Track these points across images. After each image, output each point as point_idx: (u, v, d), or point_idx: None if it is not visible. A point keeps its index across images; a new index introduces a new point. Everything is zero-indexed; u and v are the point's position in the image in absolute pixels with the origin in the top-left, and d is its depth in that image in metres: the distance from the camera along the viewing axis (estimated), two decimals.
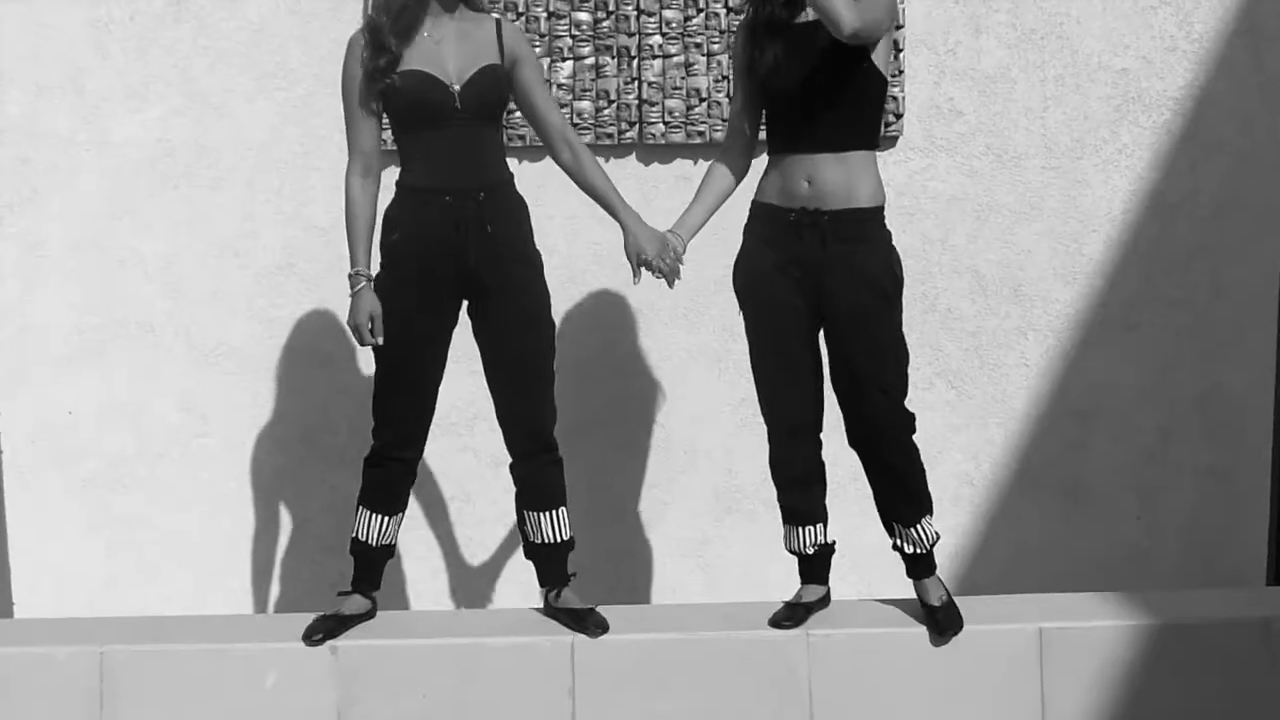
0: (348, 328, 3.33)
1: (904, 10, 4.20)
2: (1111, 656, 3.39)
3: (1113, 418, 4.44)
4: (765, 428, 3.49)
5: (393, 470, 3.40)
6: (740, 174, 3.53)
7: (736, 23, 4.20)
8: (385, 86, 3.20)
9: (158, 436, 4.41)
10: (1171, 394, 4.44)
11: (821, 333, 3.41)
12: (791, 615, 3.44)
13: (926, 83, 4.29)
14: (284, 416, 4.42)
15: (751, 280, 3.41)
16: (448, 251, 3.26)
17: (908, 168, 4.30)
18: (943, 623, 3.39)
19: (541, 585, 3.50)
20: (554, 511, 3.46)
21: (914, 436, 3.39)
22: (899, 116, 4.24)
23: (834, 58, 3.23)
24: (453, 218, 3.26)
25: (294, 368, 4.40)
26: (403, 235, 3.27)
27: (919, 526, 3.42)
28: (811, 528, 3.48)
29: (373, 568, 3.47)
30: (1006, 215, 4.35)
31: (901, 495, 3.42)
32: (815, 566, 3.51)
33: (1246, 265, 4.38)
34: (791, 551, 3.52)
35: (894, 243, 3.37)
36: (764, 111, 3.42)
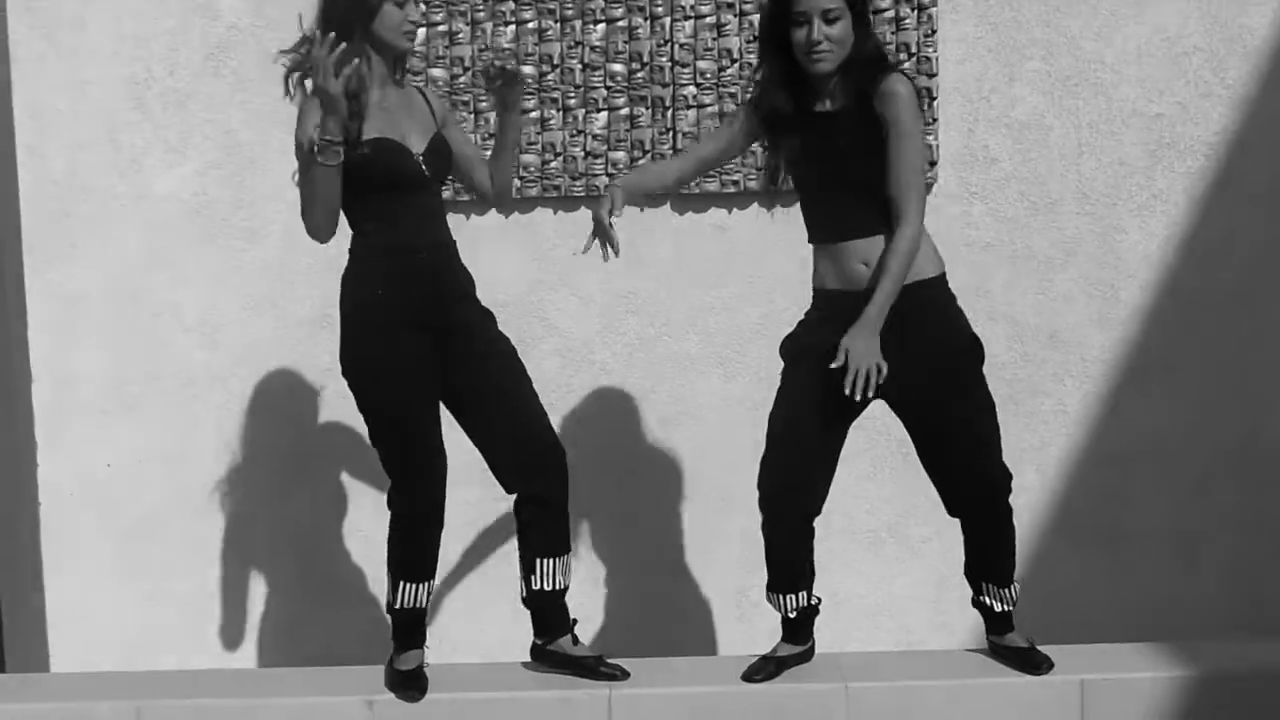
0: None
1: (937, 60, 4.21)
2: (1155, 708, 3.35)
3: (1151, 464, 4.40)
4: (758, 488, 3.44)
5: (429, 534, 3.37)
6: (686, 178, 3.49)
7: None
8: (356, 155, 3.18)
9: (195, 488, 4.43)
10: (1210, 440, 4.40)
11: (896, 414, 3.36)
12: (763, 669, 3.43)
13: (961, 130, 4.29)
14: (321, 469, 4.43)
15: (805, 344, 3.33)
16: (431, 302, 3.28)
17: (943, 215, 4.29)
18: (1036, 659, 3.42)
19: (544, 634, 3.45)
20: (565, 557, 3.44)
21: (1010, 498, 3.39)
22: (933, 164, 4.24)
23: (858, 148, 3.19)
24: (429, 271, 3.29)
25: (330, 420, 4.41)
26: (387, 290, 3.24)
27: (1011, 587, 3.45)
28: (793, 595, 3.45)
29: (419, 628, 3.45)
30: (1042, 261, 4.34)
31: (999, 554, 3.43)
32: (796, 627, 3.49)
33: None
34: (775, 609, 3.50)
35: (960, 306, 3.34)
36: (799, 197, 3.37)
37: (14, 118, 4.30)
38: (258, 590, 4.47)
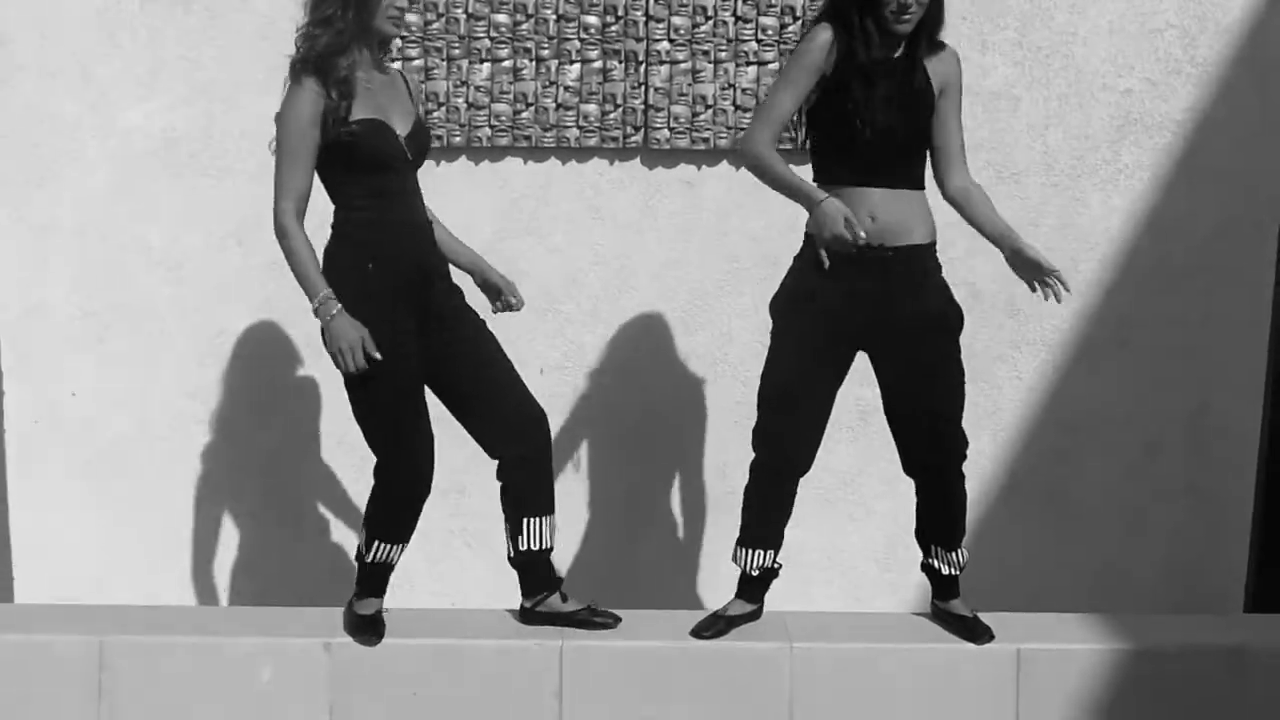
0: (334, 355, 3.20)
1: None
2: (1089, 679, 3.46)
3: (1101, 434, 4.50)
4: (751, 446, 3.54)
5: (414, 507, 3.42)
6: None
7: (745, 31, 4.25)
8: (341, 135, 3.21)
9: (158, 421, 4.47)
10: (1160, 412, 4.49)
11: (873, 368, 3.46)
12: (713, 626, 3.52)
13: None
14: (282, 405, 4.48)
15: (797, 301, 3.41)
16: (416, 278, 3.33)
17: None
18: (977, 629, 3.51)
19: (533, 594, 3.53)
20: (551, 517, 3.51)
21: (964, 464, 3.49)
22: None
23: (914, 102, 3.33)
24: (413, 249, 3.34)
25: (293, 358, 4.45)
26: (376, 266, 3.27)
27: (959, 550, 3.55)
28: (763, 551, 3.55)
29: (384, 579, 3.52)
30: None
31: (950, 519, 3.54)
32: (754, 586, 3.59)
33: (1239, 289, 4.43)
34: (736, 565, 3.59)
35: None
36: (824, 139, 3.40)
37: None
38: (221, 520, 4.53)
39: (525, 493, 3.47)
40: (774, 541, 3.56)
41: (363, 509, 4.45)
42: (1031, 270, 3.35)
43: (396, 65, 3.58)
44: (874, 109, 3.30)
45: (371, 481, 3.44)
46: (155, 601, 4.32)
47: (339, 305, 3.20)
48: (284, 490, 4.53)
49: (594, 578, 4.37)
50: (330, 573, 4.44)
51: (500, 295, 3.54)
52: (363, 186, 3.29)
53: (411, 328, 3.32)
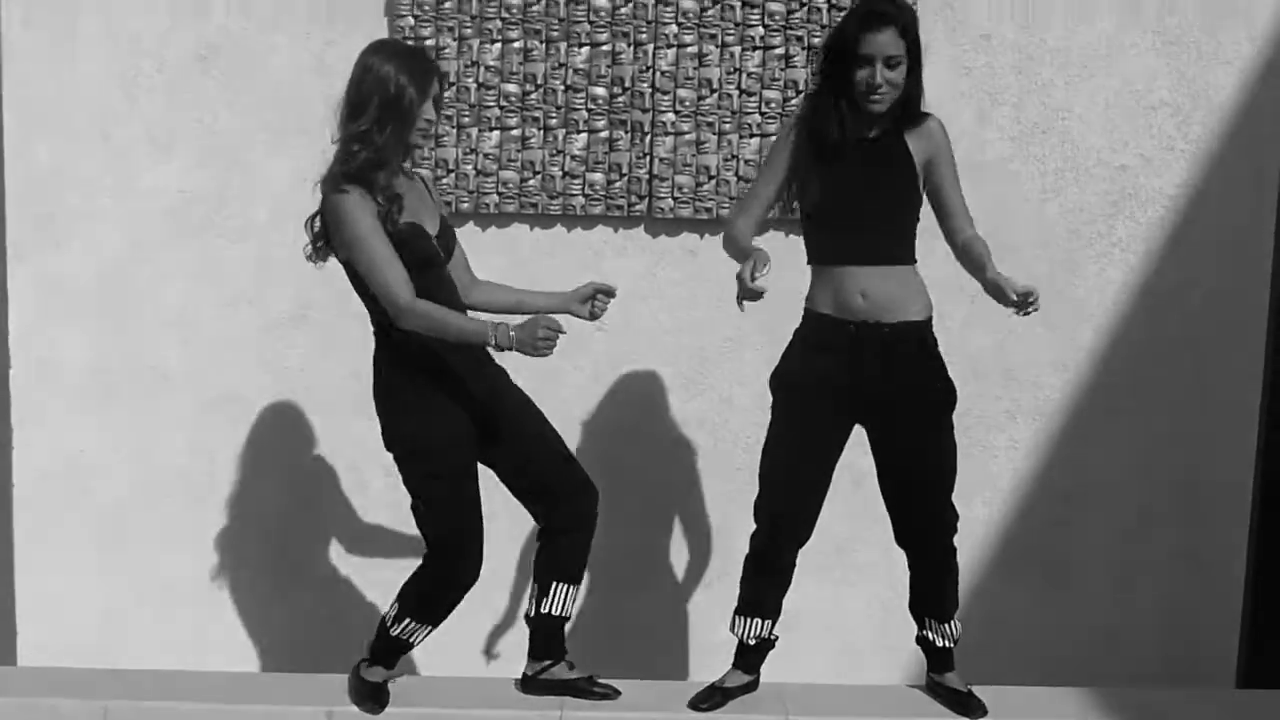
0: (540, 354, 3.21)
1: None
2: None
3: (1096, 501, 4.56)
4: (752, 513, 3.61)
5: (464, 590, 3.48)
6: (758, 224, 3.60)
7: (748, 104, 4.33)
8: (391, 235, 3.30)
9: (165, 478, 4.53)
10: (1153, 480, 4.56)
11: (869, 441, 3.52)
12: (710, 698, 3.58)
13: None
14: (289, 466, 4.54)
15: (798, 378, 3.48)
16: (472, 367, 3.43)
17: None
18: (971, 704, 3.57)
19: (540, 659, 3.59)
20: (578, 588, 3.59)
21: (955, 538, 3.55)
22: None
23: (895, 178, 3.38)
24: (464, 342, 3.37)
25: (300, 419, 4.51)
26: (432, 373, 3.36)
27: (953, 622, 3.60)
28: (760, 620, 3.61)
29: (400, 656, 3.58)
30: None
31: (940, 592, 3.60)
32: (750, 656, 3.65)
33: (1230, 359, 4.51)
34: (734, 634, 3.65)
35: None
36: (807, 220, 3.48)
37: (3, 107, 4.35)
38: (225, 579, 4.58)
39: (562, 559, 3.55)
40: (772, 612, 3.62)
41: (364, 572, 4.56)
42: (1001, 295, 3.33)
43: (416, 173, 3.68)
44: (848, 189, 3.38)
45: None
46: (159, 662, 4.37)
47: (508, 327, 3.22)
48: (288, 552, 4.59)
49: (590, 640, 4.42)
50: (333, 636, 4.49)
51: (590, 298, 3.52)
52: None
53: (467, 419, 3.40)
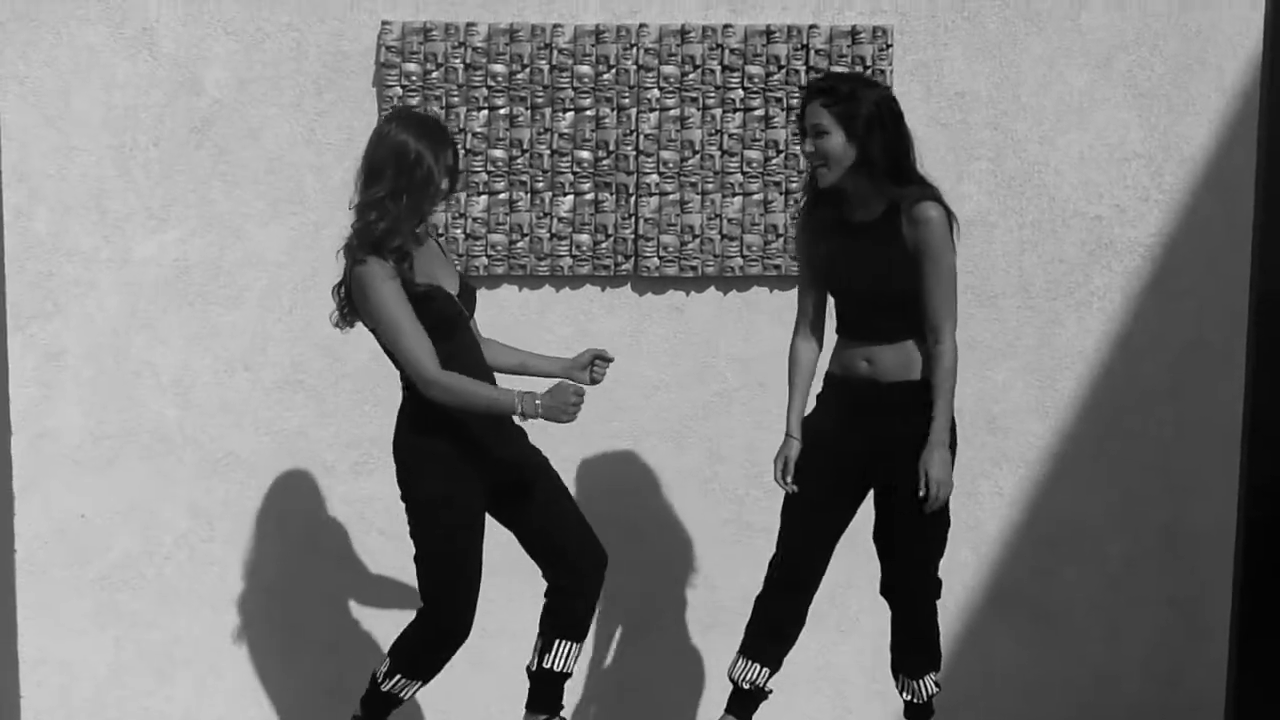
0: (568, 420, 3.37)
1: None
2: None
3: (1080, 546, 4.63)
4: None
5: (454, 649, 3.60)
6: (815, 348, 3.75)
7: (730, 164, 4.44)
8: (413, 296, 3.40)
9: (165, 540, 4.60)
10: (1137, 524, 4.64)
11: (875, 492, 3.67)
12: None
13: None
14: (286, 526, 4.61)
15: (816, 432, 3.65)
16: (494, 426, 3.51)
17: None
18: None
19: (537, 712, 3.66)
20: (580, 645, 3.67)
21: (939, 601, 3.64)
22: None
23: (881, 261, 3.48)
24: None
25: (297, 479, 4.59)
26: (457, 439, 3.45)
27: (922, 681, 3.71)
28: (759, 666, 3.69)
29: (391, 709, 3.68)
30: (984, 351, 4.56)
31: (913, 649, 3.70)
32: (743, 702, 3.71)
33: (1209, 405, 4.59)
34: (731, 679, 3.72)
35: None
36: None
37: (2, 181, 4.45)
38: (224, 640, 4.64)
39: (569, 619, 3.64)
40: (771, 660, 3.70)
41: (363, 632, 4.61)
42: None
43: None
44: (840, 269, 3.52)
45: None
46: None
47: (533, 396, 3.34)
48: (288, 610, 4.65)
49: (584, 691, 4.48)
50: (333, 693, 4.54)
51: (590, 364, 3.66)
52: (438, 350, 3.42)
53: (489, 480, 3.50)
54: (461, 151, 4.41)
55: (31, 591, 4.60)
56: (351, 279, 3.41)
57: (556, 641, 3.62)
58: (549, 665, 3.62)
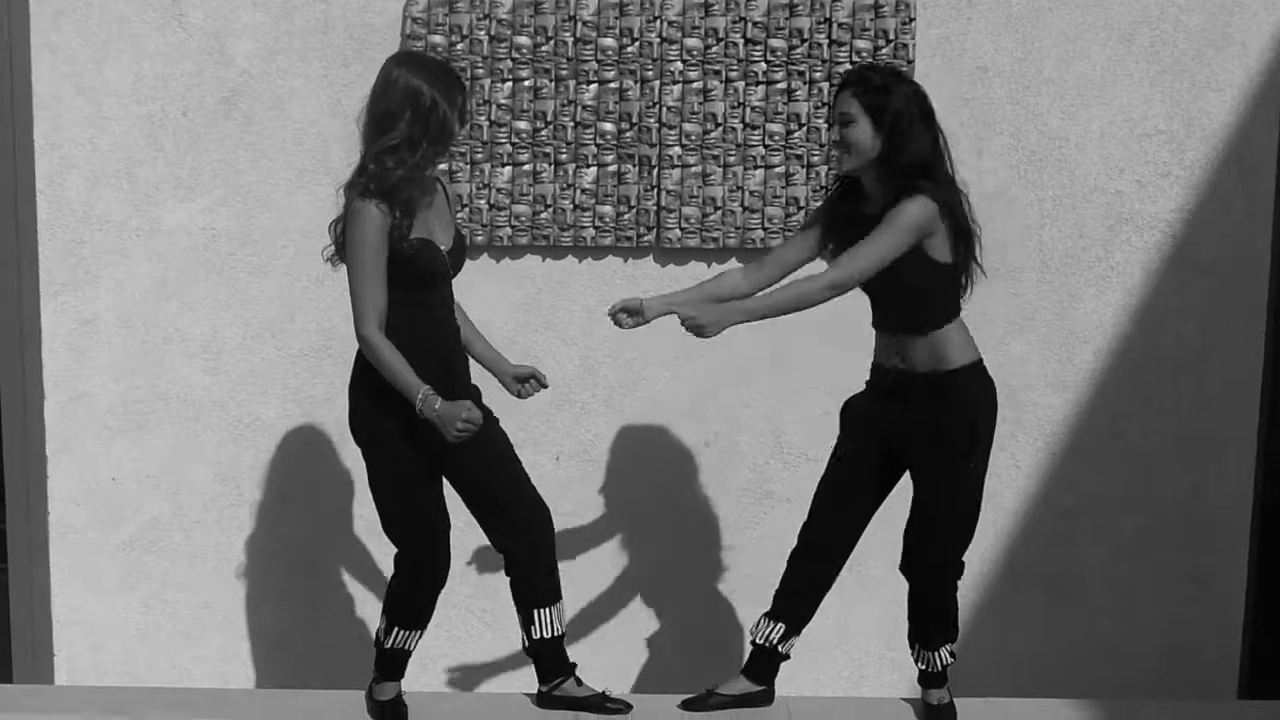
0: (454, 436, 3.36)
1: None
2: None
3: (1097, 519, 4.67)
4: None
5: (432, 595, 3.64)
6: (744, 283, 3.66)
7: (752, 137, 4.47)
8: (398, 253, 3.37)
9: (194, 504, 4.69)
10: (1154, 498, 4.67)
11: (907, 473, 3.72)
12: (699, 699, 3.73)
13: None
14: (312, 490, 4.69)
15: (856, 411, 3.72)
16: (446, 376, 3.48)
17: None
18: (944, 716, 3.74)
19: (549, 679, 3.72)
20: (559, 603, 3.70)
21: (959, 580, 3.70)
22: None
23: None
24: (447, 355, 3.53)
25: (323, 444, 4.67)
26: (423, 374, 3.42)
27: (937, 652, 3.74)
28: (781, 626, 3.75)
29: (402, 665, 3.72)
30: (1002, 325, 4.59)
31: (928, 623, 3.74)
32: (760, 662, 3.78)
33: (1227, 379, 4.61)
34: (752, 640, 3.79)
35: (985, 393, 3.61)
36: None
37: (35, 150, 4.53)
38: (251, 601, 4.73)
39: (532, 585, 3.65)
40: (793, 621, 3.76)
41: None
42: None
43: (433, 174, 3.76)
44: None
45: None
46: (187, 679, 4.53)
47: (439, 397, 3.35)
48: (313, 572, 4.74)
49: (606, 661, 4.55)
50: (357, 653, 4.61)
51: (526, 380, 3.70)
52: (405, 299, 3.42)
53: (428, 438, 3.49)
54: (486, 123, 4.49)
55: (63, 553, 4.70)
56: (347, 211, 3.39)
57: (534, 613, 3.65)
58: (538, 636, 3.66)
